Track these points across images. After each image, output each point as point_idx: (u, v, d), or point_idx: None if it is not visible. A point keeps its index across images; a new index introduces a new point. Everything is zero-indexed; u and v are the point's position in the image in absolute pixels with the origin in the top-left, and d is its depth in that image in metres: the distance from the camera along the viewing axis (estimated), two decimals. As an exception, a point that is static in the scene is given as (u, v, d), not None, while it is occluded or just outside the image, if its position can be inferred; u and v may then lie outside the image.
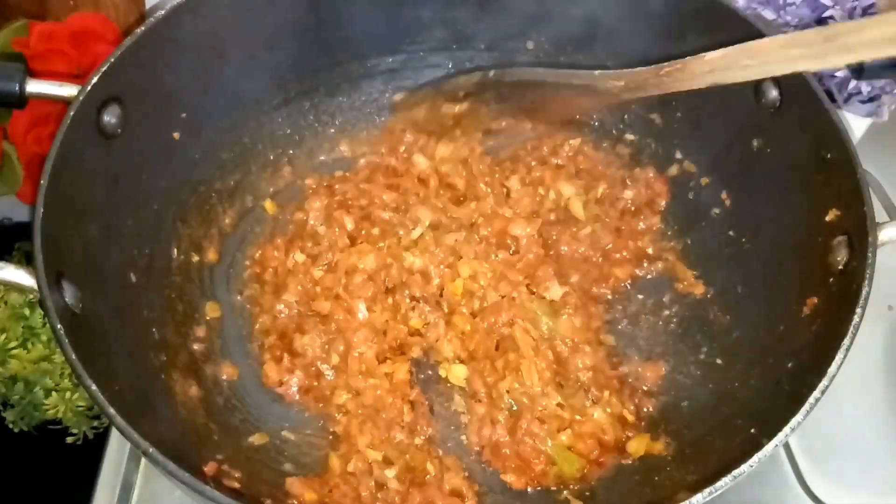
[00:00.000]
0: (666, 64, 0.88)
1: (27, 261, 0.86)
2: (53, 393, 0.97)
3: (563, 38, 1.12)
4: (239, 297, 1.04)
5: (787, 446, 0.99)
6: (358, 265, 1.01)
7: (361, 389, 0.95)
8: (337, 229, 1.05)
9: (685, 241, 1.08)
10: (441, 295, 1.01)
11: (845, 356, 0.76)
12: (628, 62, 1.09)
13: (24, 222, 1.13)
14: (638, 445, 0.92)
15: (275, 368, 0.97)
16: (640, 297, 1.05)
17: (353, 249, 1.03)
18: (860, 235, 0.81)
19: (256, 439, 0.93)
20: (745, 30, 0.93)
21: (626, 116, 1.14)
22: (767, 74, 0.85)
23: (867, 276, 0.79)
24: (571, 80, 1.00)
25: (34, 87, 0.86)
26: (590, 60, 1.12)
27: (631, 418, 0.94)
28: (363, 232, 1.05)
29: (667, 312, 1.04)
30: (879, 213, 0.89)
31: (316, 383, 0.97)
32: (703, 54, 0.84)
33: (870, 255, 0.80)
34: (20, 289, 0.78)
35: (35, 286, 0.76)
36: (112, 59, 0.88)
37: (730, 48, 0.82)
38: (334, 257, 1.02)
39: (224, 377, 0.97)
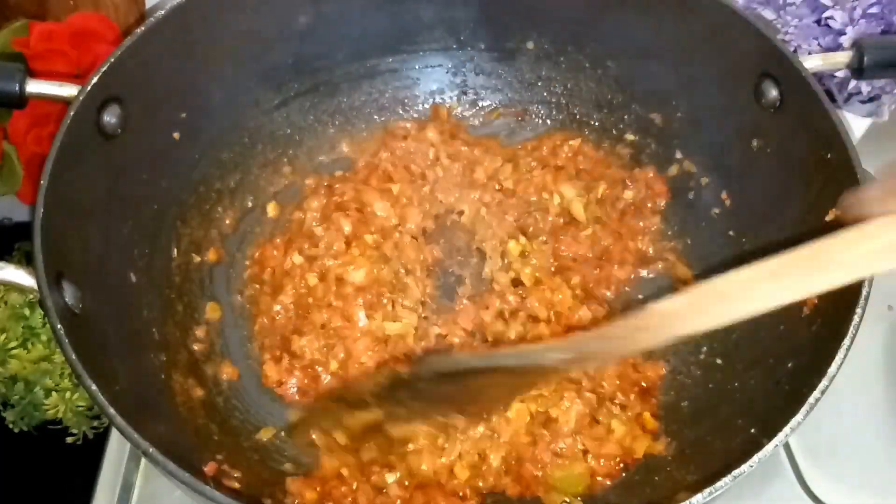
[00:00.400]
0: (616, 324, 0.73)
1: (27, 261, 0.86)
2: (53, 393, 0.97)
3: (564, 38, 1.12)
4: (239, 298, 1.04)
5: (787, 446, 0.99)
6: (347, 278, 1.00)
7: None
8: (335, 231, 1.04)
9: (685, 241, 1.08)
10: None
11: (845, 356, 0.76)
12: (629, 61, 1.10)
13: (24, 222, 1.13)
14: (638, 445, 0.92)
15: (274, 369, 0.97)
16: (640, 297, 1.05)
17: (346, 258, 1.01)
18: (860, 236, 0.81)
19: (257, 439, 0.93)
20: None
21: (626, 116, 1.14)
22: (737, 317, 0.66)
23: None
24: (506, 362, 0.80)
25: (34, 87, 0.87)
26: (590, 60, 1.12)
27: (652, 424, 0.93)
28: (359, 237, 1.04)
29: (667, 312, 1.04)
30: (879, 214, 0.89)
31: (315, 385, 0.96)
32: (658, 304, 0.68)
33: (870, 255, 0.79)
34: (20, 289, 0.78)
35: (35, 286, 0.76)
36: (112, 59, 0.88)
37: (689, 294, 0.67)
38: (328, 263, 1.01)
39: (224, 377, 0.97)
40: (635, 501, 0.87)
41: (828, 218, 0.87)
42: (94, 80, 0.86)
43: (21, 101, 0.87)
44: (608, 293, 1.04)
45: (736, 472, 0.71)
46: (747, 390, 0.91)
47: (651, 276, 1.07)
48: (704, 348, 0.99)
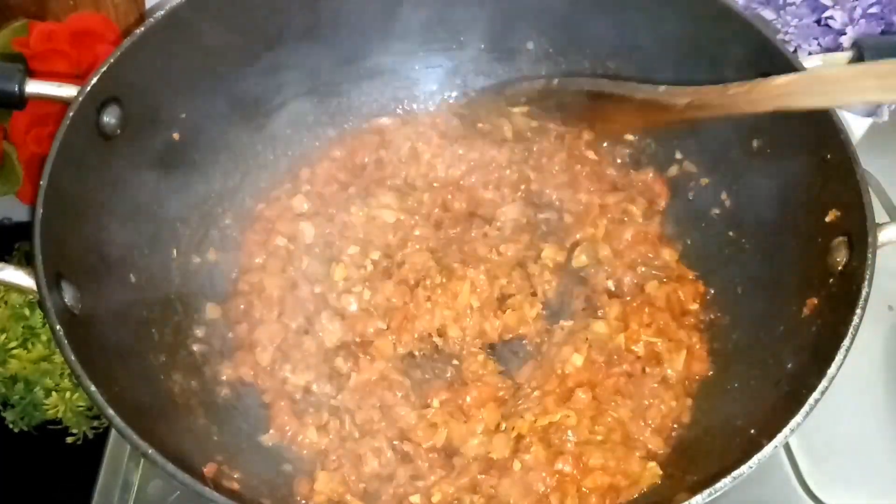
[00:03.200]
0: (733, 84, 0.87)
1: (27, 261, 0.86)
2: (53, 393, 0.97)
3: (564, 38, 1.12)
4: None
5: (787, 446, 0.99)
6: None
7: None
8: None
9: (685, 241, 1.08)
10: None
11: (845, 357, 0.76)
12: (629, 61, 1.10)
13: (24, 222, 1.14)
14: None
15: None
16: (640, 297, 1.05)
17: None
18: (860, 236, 0.81)
19: (257, 440, 0.93)
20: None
21: (626, 116, 1.14)
22: (836, 104, 0.84)
23: (867, 276, 0.79)
24: (635, 94, 1.00)
25: (34, 87, 0.87)
26: (590, 60, 1.12)
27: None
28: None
29: (667, 312, 1.04)
30: (879, 214, 0.89)
31: None
32: (773, 78, 0.82)
33: (870, 255, 0.79)
34: (20, 289, 0.78)
35: (34, 287, 0.76)
36: (112, 60, 0.88)
37: (800, 74, 0.82)
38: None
39: (224, 378, 0.97)
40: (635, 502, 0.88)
41: (828, 218, 0.87)
42: (94, 80, 0.86)
43: (21, 101, 0.87)
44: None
45: (735, 473, 0.71)
46: (747, 390, 0.91)
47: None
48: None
